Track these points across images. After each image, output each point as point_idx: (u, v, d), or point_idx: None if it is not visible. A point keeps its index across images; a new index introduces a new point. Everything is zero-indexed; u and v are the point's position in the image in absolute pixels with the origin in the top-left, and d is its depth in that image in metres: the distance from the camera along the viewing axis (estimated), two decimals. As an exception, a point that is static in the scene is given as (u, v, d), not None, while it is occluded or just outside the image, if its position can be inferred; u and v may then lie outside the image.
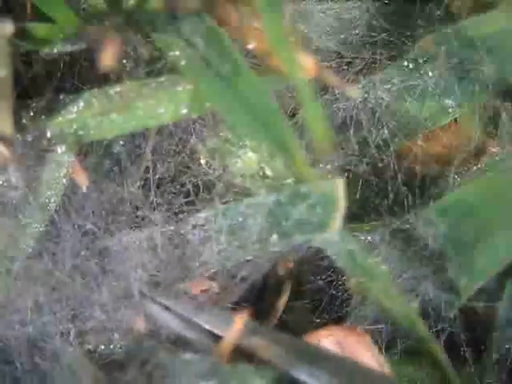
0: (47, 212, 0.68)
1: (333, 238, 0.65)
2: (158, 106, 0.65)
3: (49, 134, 0.66)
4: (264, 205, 0.65)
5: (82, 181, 0.69)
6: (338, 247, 0.67)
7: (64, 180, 0.67)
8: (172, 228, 0.67)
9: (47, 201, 0.68)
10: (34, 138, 0.64)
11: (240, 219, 0.65)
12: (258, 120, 0.61)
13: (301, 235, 0.64)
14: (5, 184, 0.67)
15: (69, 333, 0.68)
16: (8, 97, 0.63)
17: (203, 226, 0.66)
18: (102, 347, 0.69)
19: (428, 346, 0.67)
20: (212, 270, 0.67)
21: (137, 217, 0.70)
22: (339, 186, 0.64)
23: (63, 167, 0.67)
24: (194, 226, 0.67)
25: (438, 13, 0.75)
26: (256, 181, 0.70)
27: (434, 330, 0.69)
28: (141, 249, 0.68)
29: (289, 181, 0.68)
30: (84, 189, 0.70)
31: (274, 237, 0.65)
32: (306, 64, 0.61)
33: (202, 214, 0.67)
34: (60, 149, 0.67)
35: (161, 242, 0.67)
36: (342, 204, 0.63)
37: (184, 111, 0.65)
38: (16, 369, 0.68)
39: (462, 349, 0.71)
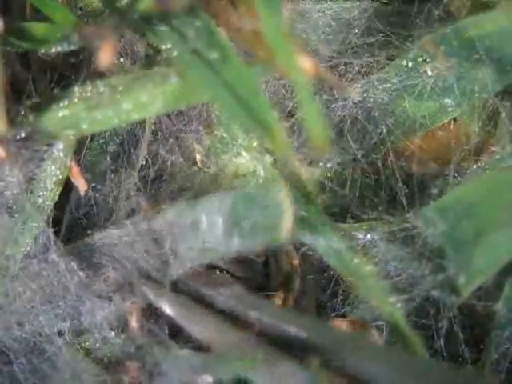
0: (45, 211, 0.68)
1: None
2: (146, 98, 0.65)
3: (42, 130, 0.66)
4: (224, 203, 0.65)
5: (81, 185, 0.69)
6: (326, 247, 0.67)
7: (61, 177, 0.67)
8: (145, 227, 0.67)
9: (44, 200, 0.68)
10: (28, 134, 0.64)
11: (203, 217, 0.66)
12: (243, 104, 0.61)
13: (258, 239, 0.65)
14: (1, 183, 0.67)
15: (66, 332, 0.68)
16: (0, 93, 0.63)
17: (173, 223, 0.67)
18: (99, 346, 0.69)
19: (411, 347, 0.67)
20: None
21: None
22: (285, 199, 0.64)
23: (60, 165, 0.67)
24: (165, 223, 0.67)
25: (437, 12, 0.75)
26: (249, 179, 0.71)
27: (432, 329, 0.69)
28: (128, 244, 0.68)
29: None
30: (82, 193, 0.70)
31: (235, 239, 0.65)
32: (305, 64, 0.61)
33: (169, 213, 0.67)
34: (56, 146, 0.67)
35: (143, 239, 0.68)
36: (288, 214, 0.64)
37: (172, 103, 0.65)
38: (15, 370, 0.68)
39: (460, 348, 0.71)
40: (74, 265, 0.68)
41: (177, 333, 0.69)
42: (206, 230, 0.65)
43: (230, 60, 0.62)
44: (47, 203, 0.68)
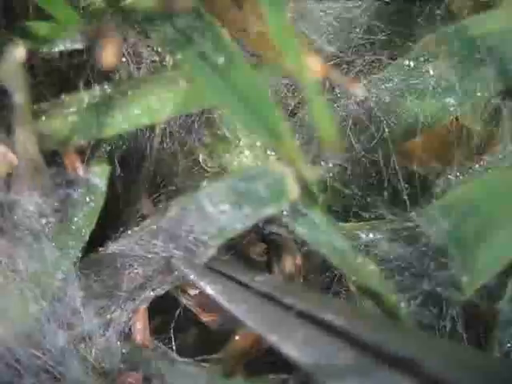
0: (82, 239, 0.68)
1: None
2: (156, 103, 0.65)
3: (51, 136, 0.66)
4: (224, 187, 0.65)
5: None
6: (328, 246, 0.67)
7: (98, 204, 0.67)
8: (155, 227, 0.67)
9: (81, 228, 0.68)
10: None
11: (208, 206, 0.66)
12: (251, 109, 0.61)
13: (268, 207, 0.65)
14: (35, 211, 0.66)
15: (74, 344, 0.68)
16: (29, 121, 0.63)
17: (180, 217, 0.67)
18: (105, 357, 0.68)
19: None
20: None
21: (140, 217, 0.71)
22: (288, 179, 0.64)
23: (97, 191, 0.67)
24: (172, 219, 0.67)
25: (439, 12, 0.75)
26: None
27: (435, 328, 0.69)
28: (145, 244, 0.68)
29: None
30: None
31: (247, 212, 0.65)
32: (314, 65, 0.62)
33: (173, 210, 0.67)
34: (92, 171, 0.67)
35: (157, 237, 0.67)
36: (290, 179, 0.64)
37: (182, 107, 0.65)
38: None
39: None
40: (84, 276, 0.68)
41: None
42: (215, 214, 0.65)
43: (236, 64, 0.62)
44: (84, 231, 0.68)
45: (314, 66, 0.60)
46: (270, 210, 0.65)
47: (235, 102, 0.61)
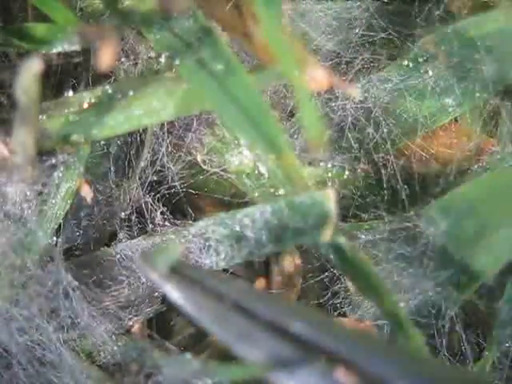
0: (56, 222, 0.67)
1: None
2: (158, 104, 0.65)
3: (51, 135, 0.66)
4: (261, 214, 0.64)
5: (87, 192, 0.69)
6: (327, 246, 0.67)
7: (73, 187, 0.67)
8: (172, 237, 0.67)
9: (56, 211, 0.68)
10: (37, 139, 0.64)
11: (238, 229, 0.65)
12: (249, 119, 0.61)
13: (295, 242, 0.64)
14: (20, 197, 0.66)
15: (68, 338, 0.68)
16: (34, 128, 0.63)
17: (203, 234, 0.66)
18: (100, 350, 0.68)
19: (416, 346, 0.66)
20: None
21: (138, 221, 0.71)
22: (330, 197, 0.64)
23: (73, 174, 0.67)
24: (194, 235, 0.66)
25: (438, 12, 0.75)
26: (251, 180, 0.71)
27: (434, 328, 0.69)
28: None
29: (282, 190, 0.68)
30: (89, 200, 0.69)
31: (270, 245, 0.64)
32: (318, 76, 0.62)
33: (202, 223, 0.66)
34: (69, 157, 0.67)
35: None
36: (332, 215, 0.63)
37: (184, 108, 0.65)
38: (17, 375, 0.68)
39: (462, 347, 0.71)
40: (75, 273, 0.68)
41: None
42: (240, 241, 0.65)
43: (235, 73, 0.62)
44: (59, 212, 0.68)
45: (318, 79, 0.60)
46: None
47: (234, 112, 0.61)
